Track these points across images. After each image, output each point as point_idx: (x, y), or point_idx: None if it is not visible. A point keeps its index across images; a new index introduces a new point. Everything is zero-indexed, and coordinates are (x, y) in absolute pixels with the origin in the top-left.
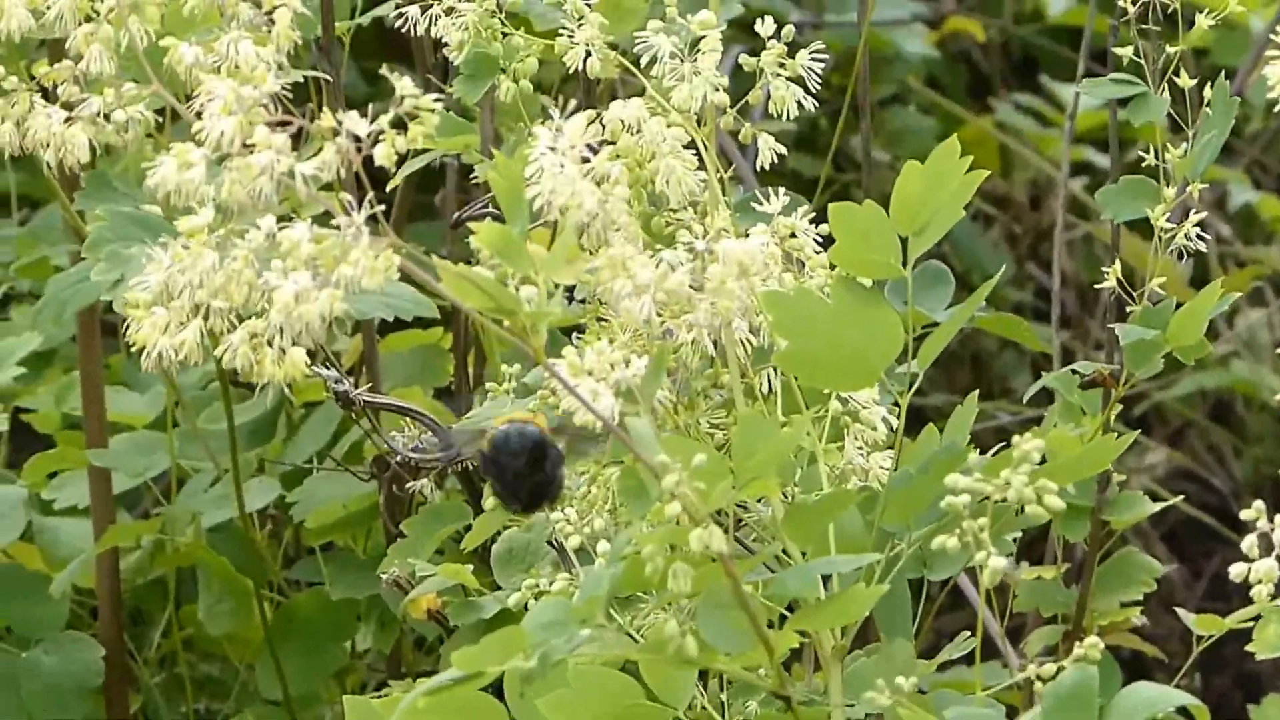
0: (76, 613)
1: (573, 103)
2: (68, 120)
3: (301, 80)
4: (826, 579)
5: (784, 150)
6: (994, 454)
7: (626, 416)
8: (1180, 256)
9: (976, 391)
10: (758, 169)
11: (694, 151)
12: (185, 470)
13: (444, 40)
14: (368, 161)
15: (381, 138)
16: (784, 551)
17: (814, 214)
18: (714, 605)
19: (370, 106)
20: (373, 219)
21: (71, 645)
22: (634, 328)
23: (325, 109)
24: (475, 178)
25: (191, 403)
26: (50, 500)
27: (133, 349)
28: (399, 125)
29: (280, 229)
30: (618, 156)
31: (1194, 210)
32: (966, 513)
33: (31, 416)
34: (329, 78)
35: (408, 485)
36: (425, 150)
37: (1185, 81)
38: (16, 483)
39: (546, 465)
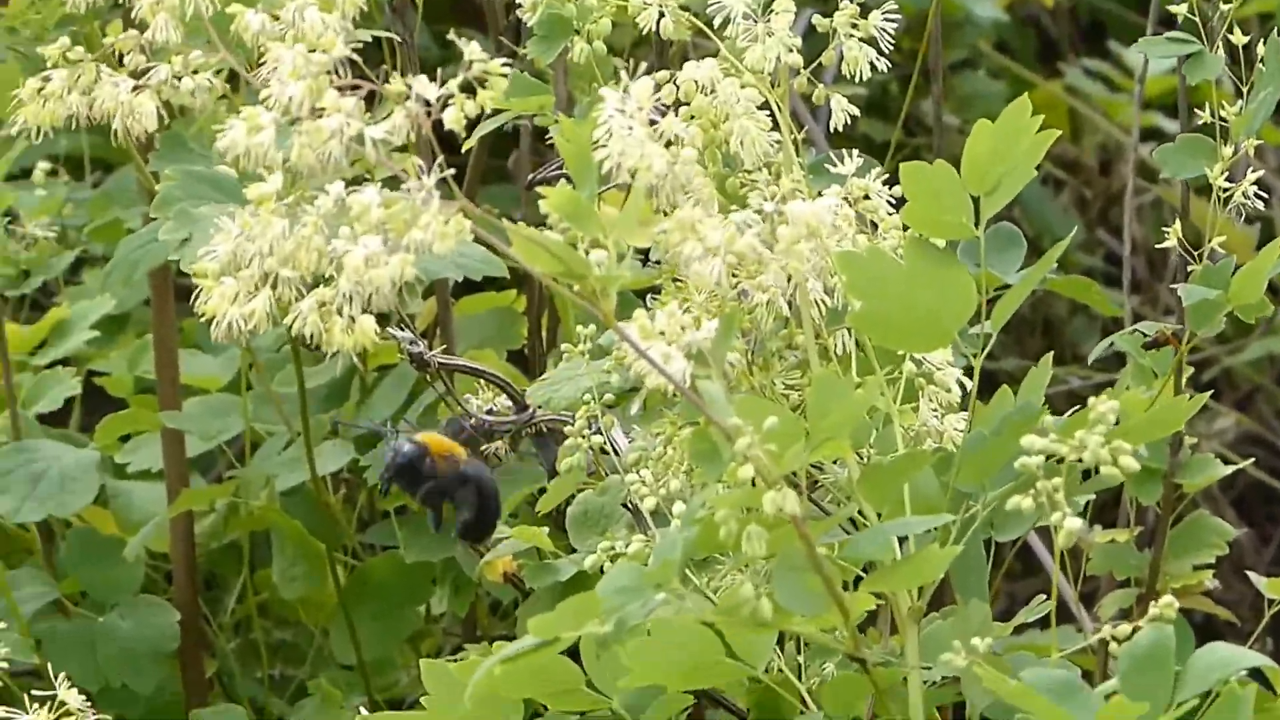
0: (151, 577)
1: (644, 65)
2: (135, 89)
3: (374, 43)
4: (902, 540)
5: (856, 112)
6: (1067, 417)
7: (698, 379)
8: (1243, 218)
9: (1051, 353)
10: (831, 131)
11: (768, 113)
12: (259, 434)
13: (517, 2)
14: (441, 125)
15: (451, 102)
16: (860, 513)
17: (886, 177)
18: (788, 568)
19: (441, 70)
20: (444, 183)
21: (147, 609)
22: (706, 290)
23: (397, 72)
24: (550, 139)
25: (266, 366)
26: (123, 464)
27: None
28: (468, 89)
29: (350, 194)
30: (692, 118)
31: (1252, 169)
32: (1040, 473)
33: (104, 380)
34: (402, 39)
35: (482, 448)
36: (500, 112)
37: (1238, 38)
38: (89, 446)
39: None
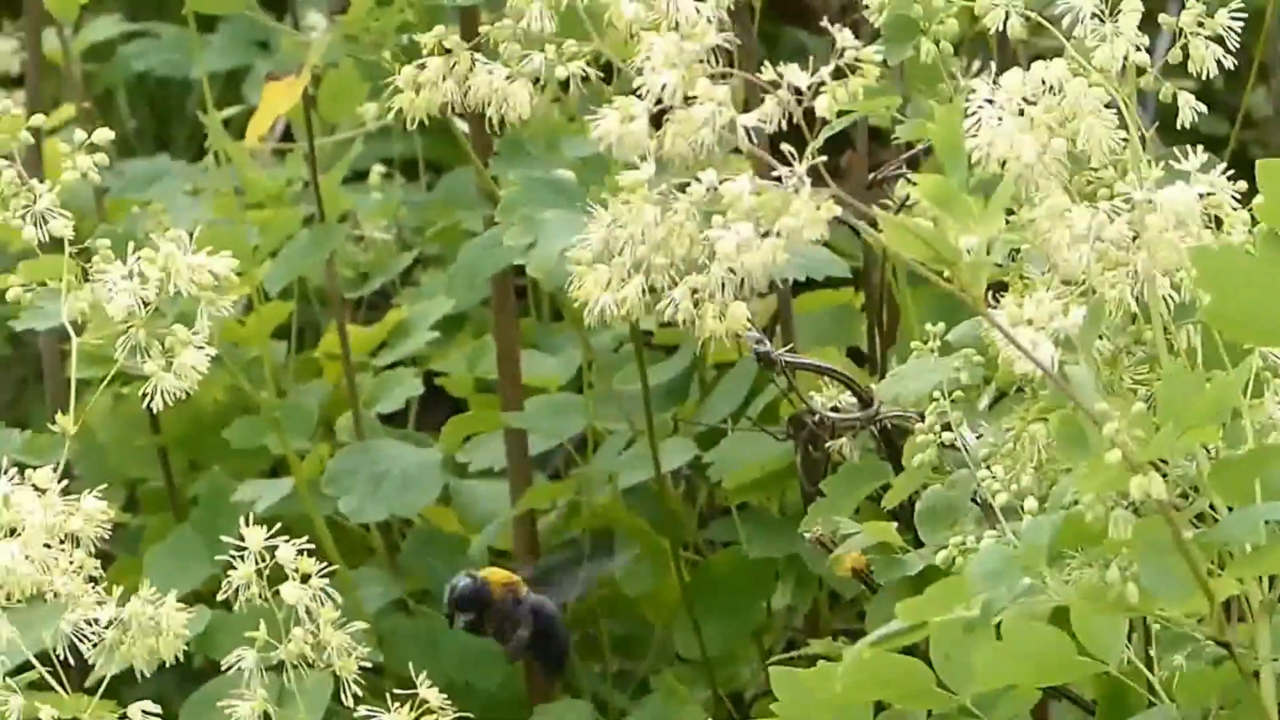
0: None
1: (976, 64)
2: (509, 77)
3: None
4: None
5: (1203, 109)
6: None
7: (1065, 365)
8: None
9: None
10: (1180, 128)
11: (1113, 111)
12: (599, 432)
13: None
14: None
15: (823, 90)
16: (1210, 506)
17: (1230, 172)
18: (1154, 552)
19: (779, 64)
20: (812, 170)
21: None
22: (1070, 280)
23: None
24: (894, 139)
25: (605, 365)
26: (464, 463)
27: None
28: (839, 77)
29: (721, 182)
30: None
31: None
32: None
33: (444, 380)
34: (739, 41)
35: (825, 445)
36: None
37: None
38: (433, 446)
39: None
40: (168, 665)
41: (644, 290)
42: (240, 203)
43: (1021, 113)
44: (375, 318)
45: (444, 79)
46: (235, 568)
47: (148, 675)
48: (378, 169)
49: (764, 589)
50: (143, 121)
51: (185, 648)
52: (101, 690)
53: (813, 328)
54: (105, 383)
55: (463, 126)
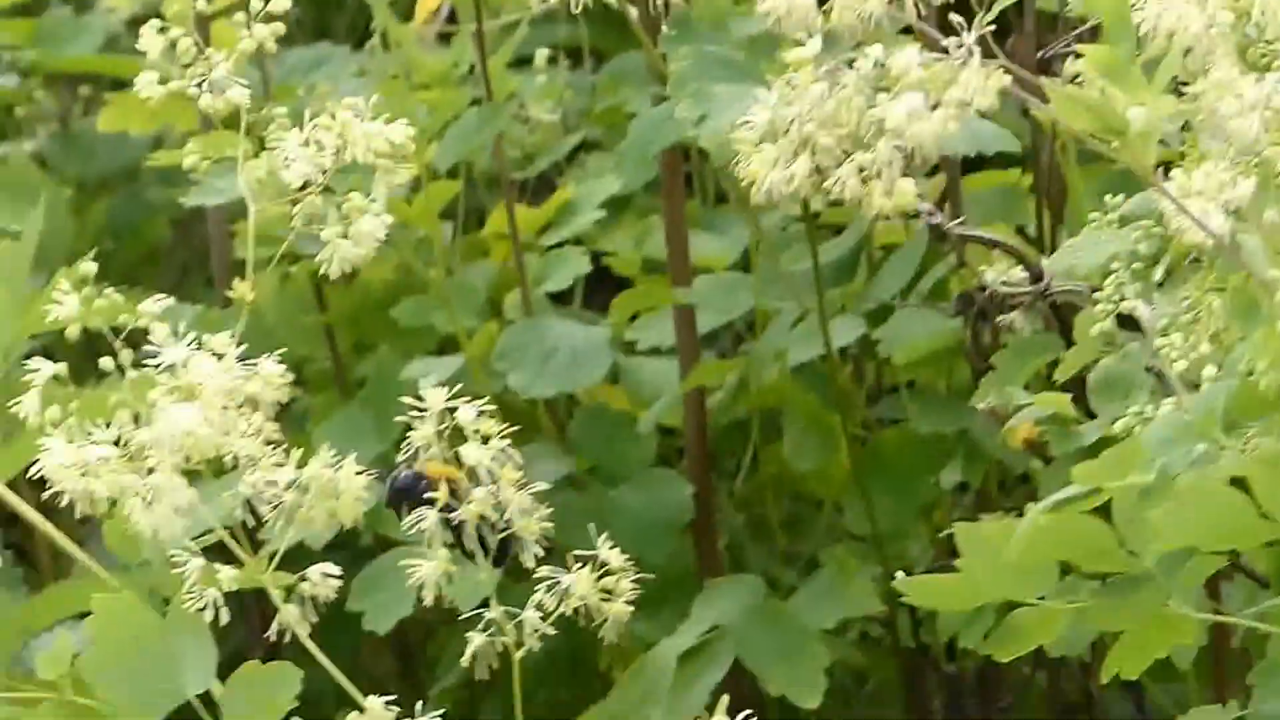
0: (661, 453)
1: None
2: None
3: None
4: None
5: None
6: None
7: (1238, 234)
8: None
9: None
10: None
11: None
12: (766, 312)
13: None
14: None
15: None
16: None
17: None
18: None
19: None
20: (980, 41)
21: (659, 483)
22: (1244, 150)
23: None
24: (1069, 11)
25: (772, 244)
26: (632, 341)
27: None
28: None
29: (889, 55)
30: None
31: None
32: None
33: (611, 259)
34: None
35: (995, 320)
36: None
37: None
38: (601, 324)
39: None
40: (341, 536)
41: (812, 169)
42: (407, 85)
43: None
44: (538, 204)
45: None
46: (411, 435)
47: (319, 550)
48: (542, 53)
49: (934, 465)
50: (303, 10)
51: (356, 522)
52: (276, 561)
53: (980, 207)
54: (275, 260)
55: (632, 9)
